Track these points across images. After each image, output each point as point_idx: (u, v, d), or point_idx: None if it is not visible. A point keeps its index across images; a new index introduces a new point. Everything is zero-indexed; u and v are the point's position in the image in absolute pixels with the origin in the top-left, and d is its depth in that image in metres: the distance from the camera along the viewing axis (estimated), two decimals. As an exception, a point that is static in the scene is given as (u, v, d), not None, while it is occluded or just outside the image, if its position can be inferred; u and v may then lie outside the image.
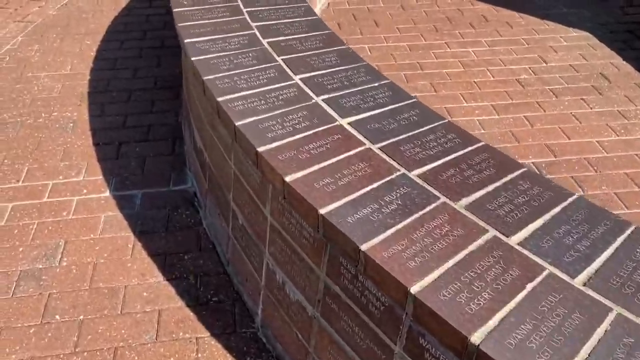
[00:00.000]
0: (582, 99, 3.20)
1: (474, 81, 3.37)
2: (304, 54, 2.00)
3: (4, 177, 2.58)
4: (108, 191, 2.51)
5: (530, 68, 3.50)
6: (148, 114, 3.06)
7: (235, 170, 1.83)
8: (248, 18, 2.24)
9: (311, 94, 1.76)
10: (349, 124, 1.62)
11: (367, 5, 4.36)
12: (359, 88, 1.80)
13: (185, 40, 2.05)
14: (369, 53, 3.68)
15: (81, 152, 2.76)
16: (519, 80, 3.38)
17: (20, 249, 2.21)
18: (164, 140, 2.85)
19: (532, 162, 2.71)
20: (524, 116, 3.05)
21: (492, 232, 1.24)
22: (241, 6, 2.34)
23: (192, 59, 1.94)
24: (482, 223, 1.26)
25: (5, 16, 4.18)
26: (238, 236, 1.94)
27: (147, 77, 3.39)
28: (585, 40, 3.85)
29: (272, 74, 1.86)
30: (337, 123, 1.62)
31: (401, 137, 1.57)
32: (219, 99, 1.72)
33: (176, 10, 2.27)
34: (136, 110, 3.08)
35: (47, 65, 3.49)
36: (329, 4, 4.38)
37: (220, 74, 1.86)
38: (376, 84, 1.82)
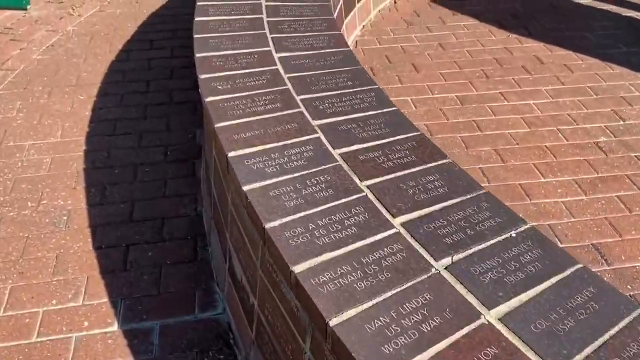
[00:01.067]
0: (678, 169, 2.69)
1: (546, 146, 2.84)
2: (395, 175, 1.44)
3: (-20, 303, 2.00)
4: (116, 323, 1.94)
5: (607, 128, 2.98)
6: (160, 200, 2.48)
7: (311, 358, 1.28)
8: (305, 111, 1.68)
9: (426, 255, 1.21)
10: (500, 320, 1.07)
11: (401, 44, 3.82)
12: (492, 241, 1.25)
13: (230, 154, 1.49)
14: (414, 108, 3.14)
15: (78, 260, 2.17)
16: (598, 144, 2.86)
17: None
18: (183, 239, 2.28)
19: (646, 267, 2.18)
20: (617, 196, 2.52)
21: None
22: (292, 91, 1.78)
23: (245, 188, 1.38)
24: None
25: (-18, 61, 3.57)
26: None
27: (155, 145, 2.81)
28: (659, 89, 3.35)
29: (361, 217, 1.31)
30: (482, 321, 1.07)
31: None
32: (296, 270, 1.17)
33: (209, 99, 1.71)
34: (145, 194, 2.51)
35: (32, 130, 2.90)
36: (356, 42, 3.84)
37: (288, 218, 1.30)
38: (513, 233, 1.28)
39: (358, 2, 3.81)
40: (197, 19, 2.18)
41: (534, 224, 2.28)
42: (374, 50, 3.74)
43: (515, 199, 2.50)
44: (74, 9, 4.24)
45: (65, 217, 2.37)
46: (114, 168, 2.66)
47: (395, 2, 4.38)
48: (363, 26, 3.99)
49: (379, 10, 4.21)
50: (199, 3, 2.30)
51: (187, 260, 2.19)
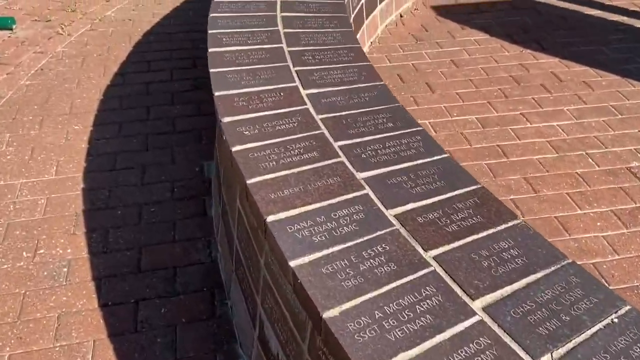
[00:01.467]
0: None
1: (577, 173, 2.67)
2: (463, 241, 1.25)
3: (-27, 377, 1.77)
4: (130, 397, 1.72)
5: (637, 151, 2.83)
6: (169, 245, 2.26)
7: None
8: (346, 161, 1.48)
9: (521, 352, 1.02)
10: None
11: (412, 62, 3.64)
12: (593, 329, 1.06)
13: (269, 219, 1.29)
14: (434, 132, 2.96)
15: (83, 320, 1.95)
16: (630, 170, 2.70)
17: None
18: (199, 291, 2.07)
19: None
20: (660, 229, 2.37)
21: None
22: (328, 136, 1.58)
23: (292, 264, 1.17)
24: None
25: (-35, 87, 3.32)
26: None
27: (159, 181, 2.59)
28: (685, 107, 3.21)
29: (434, 300, 1.11)
30: None
31: None
32: (370, 378, 0.97)
33: (237, 149, 1.50)
34: (152, 238, 2.29)
35: (24, 167, 2.66)
36: (365, 60, 3.64)
37: (349, 303, 1.10)
38: (614, 318, 1.09)
39: (367, 19, 3.63)
40: (211, 49, 1.97)
41: (579, 263, 2.12)
42: (385, 69, 3.56)
43: (554, 235, 2.32)
44: (63, 28, 3.99)
45: (65, 269, 2.14)
46: (117, 209, 2.44)
47: (401, 16, 4.21)
48: (371, 43, 3.80)
49: (386, 26, 4.03)
50: (210, 31, 2.09)
51: (205, 318, 1.98)
